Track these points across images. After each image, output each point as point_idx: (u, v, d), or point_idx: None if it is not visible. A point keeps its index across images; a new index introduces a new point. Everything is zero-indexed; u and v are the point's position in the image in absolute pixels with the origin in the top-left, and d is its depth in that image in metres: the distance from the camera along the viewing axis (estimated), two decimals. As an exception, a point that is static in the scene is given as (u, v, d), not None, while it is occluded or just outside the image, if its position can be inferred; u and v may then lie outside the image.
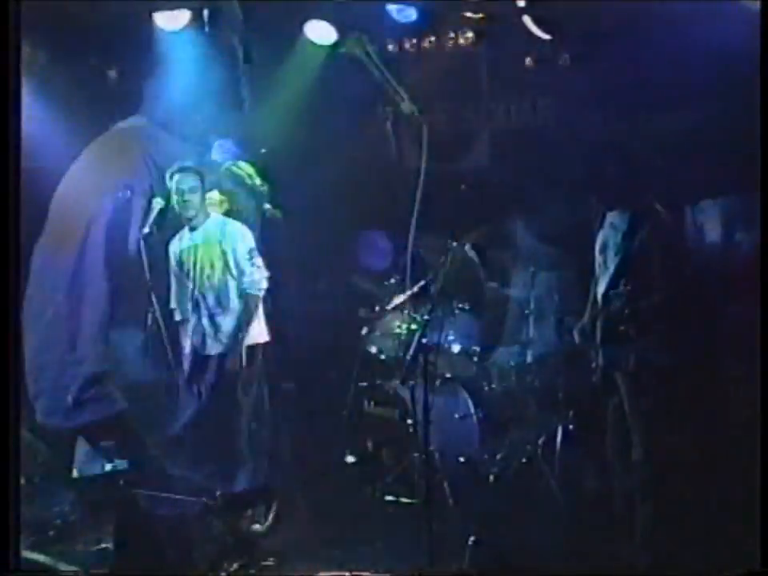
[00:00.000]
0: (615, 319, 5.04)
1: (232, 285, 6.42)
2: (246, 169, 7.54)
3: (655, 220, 5.04)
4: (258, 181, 7.50)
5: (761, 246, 4.91)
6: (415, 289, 6.91)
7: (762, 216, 4.85)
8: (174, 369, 6.86)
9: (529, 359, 6.63)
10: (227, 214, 7.25)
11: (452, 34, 7.32)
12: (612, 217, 5.19)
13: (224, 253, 6.42)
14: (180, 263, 6.50)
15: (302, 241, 7.55)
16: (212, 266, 6.42)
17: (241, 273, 6.43)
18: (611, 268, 5.11)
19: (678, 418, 5.22)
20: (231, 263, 6.42)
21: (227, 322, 6.41)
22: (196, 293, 6.44)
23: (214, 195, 7.38)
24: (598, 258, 5.25)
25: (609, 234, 5.18)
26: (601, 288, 5.21)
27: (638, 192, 5.14)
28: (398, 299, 6.93)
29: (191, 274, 6.47)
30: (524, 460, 6.46)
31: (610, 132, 6.26)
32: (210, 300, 6.43)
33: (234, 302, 6.42)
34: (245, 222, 7.04)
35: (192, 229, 6.48)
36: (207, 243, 6.44)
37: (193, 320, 6.46)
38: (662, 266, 4.87)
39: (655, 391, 5.08)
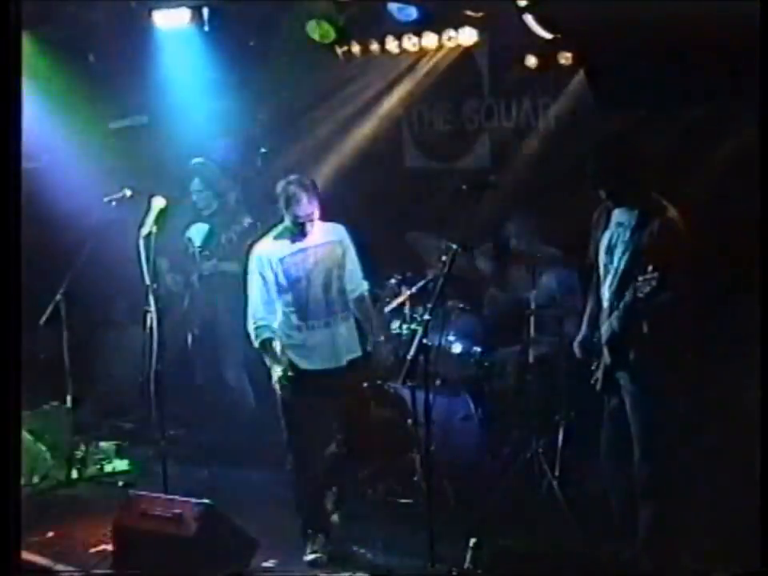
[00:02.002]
0: (626, 316, 5.00)
1: (348, 290, 5.89)
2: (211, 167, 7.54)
3: (664, 215, 5.01)
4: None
5: (761, 246, 4.91)
6: (415, 289, 6.92)
7: (762, 215, 4.84)
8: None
9: (529, 359, 6.61)
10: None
11: (453, 33, 7.32)
12: (618, 215, 5.16)
13: (343, 256, 5.87)
14: (285, 270, 5.79)
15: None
16: (335, 270, 5.84)
17: (351, 277, 5.91)
18: (620, 266, 5.08)
19: (679, 418, 5.21)
20: (347, 268, 5.87)
21: (348, 329, 5.90)
22: (306, 302, 5.82)
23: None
24: (604, 258, 5.22)
25: (616, 232, 5.15)
26: (606, 287, 5.18)
27: (644, 189, 5.11)
28: (398, 299, 6.92)
29: (302, 281, 5.81)
30: (525, 460, 6.45)
31: (613, 130, 6.22)
32: (325, 309, 5.81)
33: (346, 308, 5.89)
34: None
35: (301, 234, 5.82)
36: (323, 247, 5.83)
37: (301, 334, 5.82)
38: (672, 261, 4.83)
39: (659, 391, 5.06)
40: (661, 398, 5.04)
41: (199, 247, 7.24)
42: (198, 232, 7.35)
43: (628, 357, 5.08)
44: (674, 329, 5.01)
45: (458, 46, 7.42)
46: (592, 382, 5.27)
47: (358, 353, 5.93)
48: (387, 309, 6.94)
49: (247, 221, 7.18)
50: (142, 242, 5.94)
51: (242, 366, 7.49)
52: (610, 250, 5.17)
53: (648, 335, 5.00)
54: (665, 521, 5.12)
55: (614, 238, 5.15)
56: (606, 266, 5.20)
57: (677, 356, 5.07)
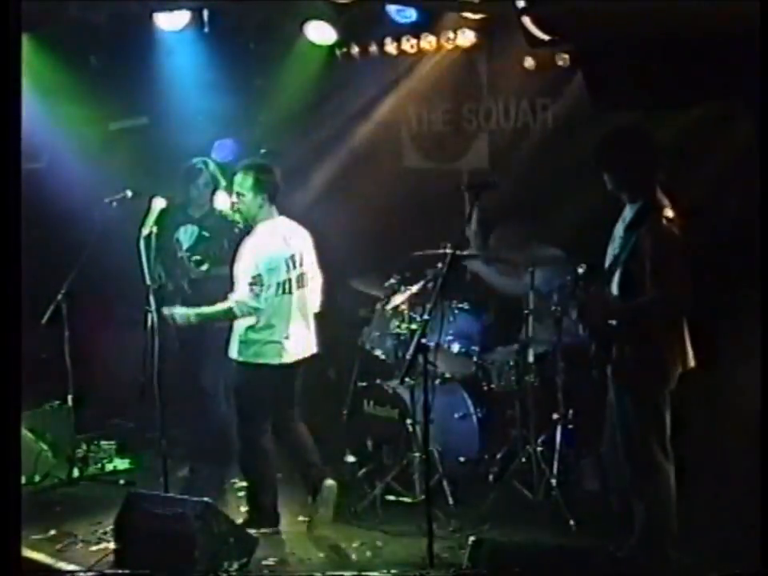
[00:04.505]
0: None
1: None
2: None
3: (659, 217, 4.99)
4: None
5: (761, 245, 4.92)
6: (415, 289, 6.93)
7: (762, 215, 4.86)
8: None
9: (529, 359, 6.62)
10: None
11: (451, 35, 7.34)
12: (626, 210, 5.16)
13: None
14: None
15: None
16: None
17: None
18: (611, 258, 5.09)
19: (679, 417, 5.21)
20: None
21: None
22: None
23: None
24: (608, 250, 5.22)
25: (619, 225, 5.16)
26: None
27: (650, 183, 5.09)
28: (398, 299, 6.93)
29: None
30: (524, 460, 6.46)
31: (611, 130, 6.23)
32: None
33: None
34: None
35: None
36: None
37: None
38: (659, 262, 4.83)
39: (636, 389, 5.05)
40: (638, 396, 5.02)
41: (187, 251, 7.23)
42: (186, 234, 7.33)
43: (610, 352, 5.06)
44: (666, 328, 5.02)
45: (457, 47, 7.43)
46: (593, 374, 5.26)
47: None
48: (387, 308, 6.96)
49: (238, 227, 7.17)
50: (142, 243, 5.97)
51: (220, 373, 7.43)
52: (612, 243, 5.17)
53: (625, 332, 4.99)
54: (657, 520, 5.12)
55: (615, 232, 5.17)
56: (608, 257, 5.21)
57: (661, 354, 5.05)
